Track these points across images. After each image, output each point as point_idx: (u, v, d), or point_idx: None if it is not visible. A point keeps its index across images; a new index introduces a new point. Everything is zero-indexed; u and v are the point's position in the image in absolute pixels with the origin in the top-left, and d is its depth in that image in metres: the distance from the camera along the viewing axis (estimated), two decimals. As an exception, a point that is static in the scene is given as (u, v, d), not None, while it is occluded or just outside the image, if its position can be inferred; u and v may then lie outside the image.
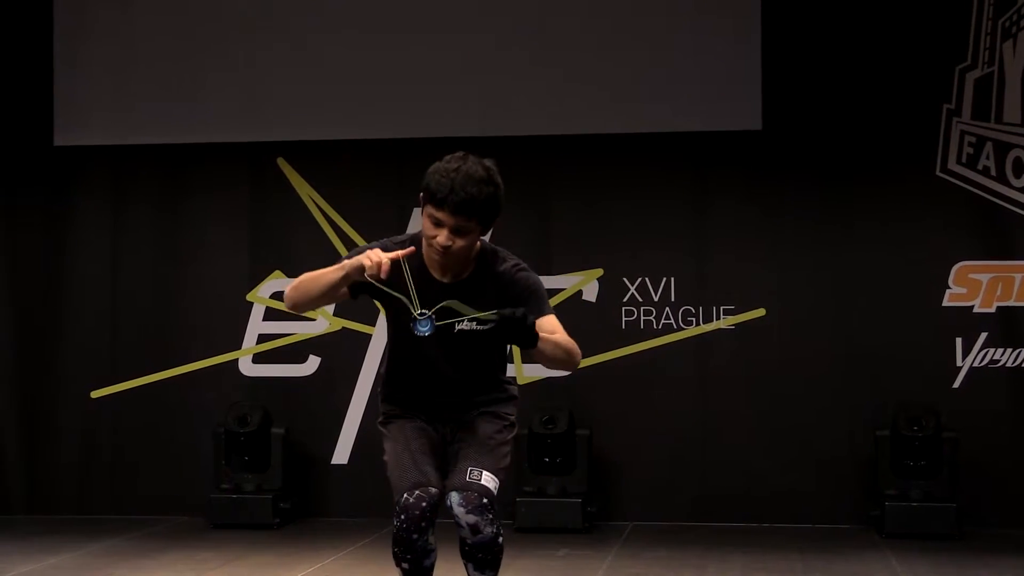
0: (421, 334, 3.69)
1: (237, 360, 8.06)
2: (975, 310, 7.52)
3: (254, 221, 8.10)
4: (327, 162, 8.06)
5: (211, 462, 7.73)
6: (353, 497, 7.91)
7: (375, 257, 3.70)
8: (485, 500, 3.82)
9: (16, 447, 8.15)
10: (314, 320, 8.01)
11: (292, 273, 8.03)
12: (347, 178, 8.06)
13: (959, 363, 7.52)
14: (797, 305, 7.69)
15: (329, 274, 3.83)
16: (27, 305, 8.20)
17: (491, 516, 3.83)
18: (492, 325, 3.65)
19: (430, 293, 3.80)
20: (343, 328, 8.00)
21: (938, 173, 7.58)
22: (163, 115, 8.09)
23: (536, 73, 7.77)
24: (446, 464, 3.98)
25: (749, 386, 7.69)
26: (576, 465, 7.49)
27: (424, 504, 3.84)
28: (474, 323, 3.79)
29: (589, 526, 7.36)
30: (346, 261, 3.81)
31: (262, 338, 8.06)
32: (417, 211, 7.91)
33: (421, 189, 3.83)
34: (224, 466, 7.68)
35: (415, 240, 3.94)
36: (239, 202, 8.12)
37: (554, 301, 7.69)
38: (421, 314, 3.69)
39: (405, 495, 3.88)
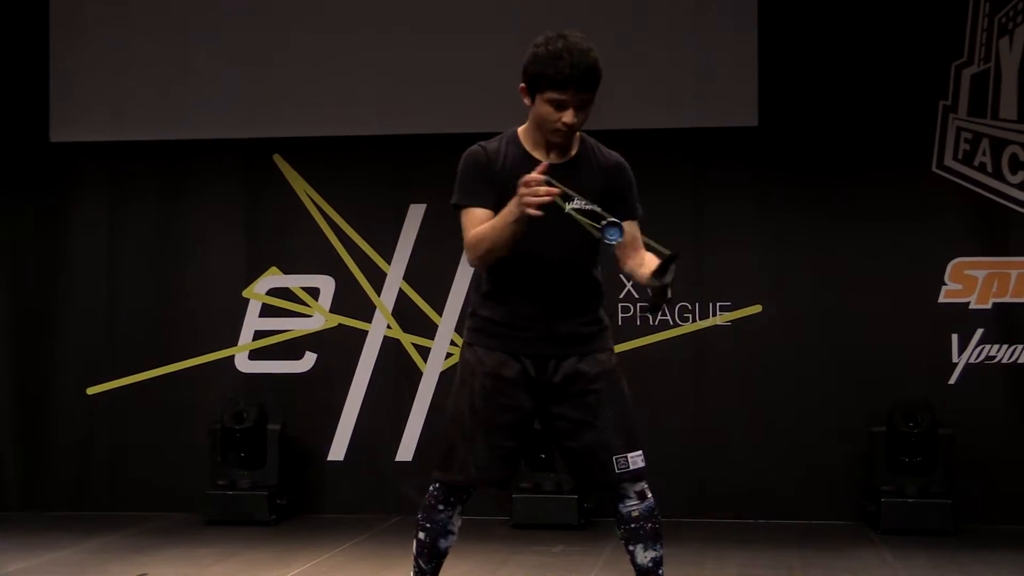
0: (612, 242, 3.66)
1: (233, 356, 8.05)
2: (971, 307, 7.52)
3: (250, 218, 8.10)
4: (324, 159, 8.05)
5: (207, 458, 7.72)
6: (349, 494, 7.91)
7: (535, 199, 3.60)
8: (642, 473, 3.94)
9: (12, 443, 8.14)
10: (310, 316, 8.02)
11: (288, 270, 8.04)
12: (344, 175, 8.05)
13: (955, 359, 7.52)
14: (793, 301, 7.69)
15: (507, 230, 3.71)
16: (23, 301, 8.19)
17: (647, 485, 3.96)
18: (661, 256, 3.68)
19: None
20: (339, 324, 8.00)
21: (934, 169, 7.58)
22: (160, 111, 8.08)
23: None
24: (518, 437, 3.93)
25: (745, 382, 7.69)
26: (572, 461, 7.48)
27: (458, 488, 3.92)
28: (583, 202, 3.80)
29: (585, 522, 7.36)
30: (517, 214, 3.65)
31: (258, 334, 8.05)
32: (415, 208, 8.01)
33: (525, 80, 3.81)
34: (220, 462, 7.67)
35: (509, 136, 3.95)
36: (235, 198, 8.11)
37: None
38: (611, 223, 3.68)
39: (445, 475, 3.93)
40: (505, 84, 7.84)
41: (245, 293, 8.08)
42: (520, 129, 3.97)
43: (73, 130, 8.15)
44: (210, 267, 8.10)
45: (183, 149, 8.12)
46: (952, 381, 7.52)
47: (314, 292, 8.04)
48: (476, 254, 3.82)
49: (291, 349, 8.03)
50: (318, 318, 8.02)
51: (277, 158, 8.08)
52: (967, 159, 7.56)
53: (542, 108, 3.83)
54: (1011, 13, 7.53)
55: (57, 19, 8.15)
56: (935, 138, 7.58)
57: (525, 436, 3.98)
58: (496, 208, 3.80)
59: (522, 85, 3.85)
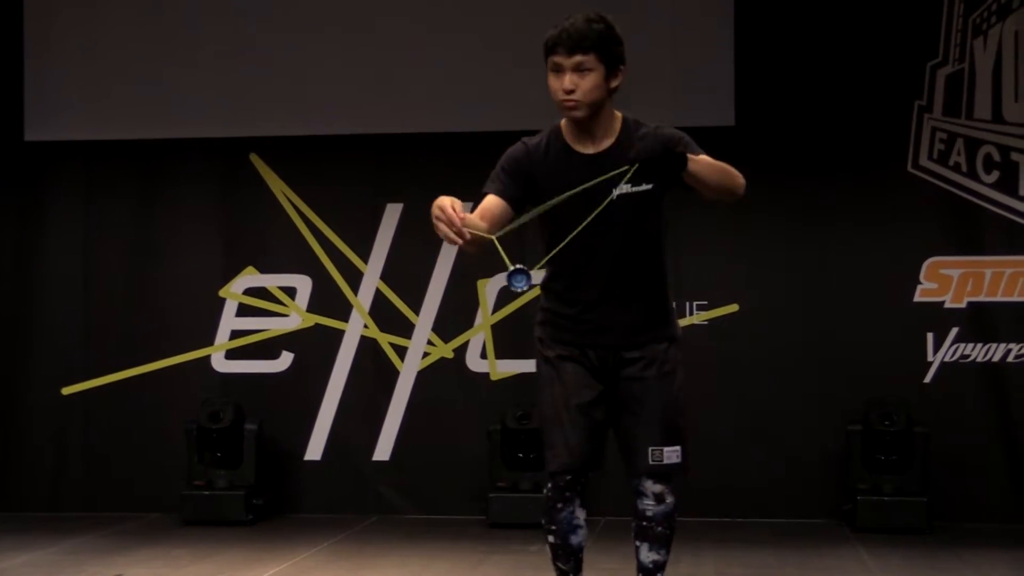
0: (517, 290, 3.60)
1: (210, 356, 8.03)
2: (946, 306, 7.56)
3: (227, 217, 8.07)
4: (300, 158, 8.03)
5: (183, 459, 7.69)
6: (326, 494, 7.90)
7: (446, 230, 3.56)
8: (670, 473, 3.94)
9: (-13, 444, 8.12)
10: (287, 316, 8.00)
11: (265, 269, 8.03)
12: (320, 174, 8.04)
13: (930, 358, 7.56)
14: (769, 301, 7.72)
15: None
16: (-3, 301, 8.16)
17: (672, 487, 3.94)
18: (640, 170, 3.62)
19: (573, 168, 3.80)
20: (316, 324, 7.98)
21: (909, 169, 7.62)
22: (136, 110, 8.05)
23: (511, 70, 7.74)
24: (603, 410, 3.95)
25: (722, 381, 7.70)
26: (549, 461, 7.48)
27: (569, 478, 3.91)
28: (629, 184, 3.76)
29: (563, 521, 7.36)
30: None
31: (235, 334, 8.03)
32: (392, 207, 8.02)
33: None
34: (196, 462, 7.65)
35: (552, 129, 3.95)
36: (212, 198, 8.09)
37: (527, 297, 7.70)
38: (516, 270, 3.60)
39: (553, 468, 3.93)
40: (482, 83, 7.89)
41: (222, 292, 8.06)
42: (563, 121, 3.97)
43: (48, 129, 8.11)
44: (186, 266, 8.08)
45: (159, 148, 8.09)
46: (927, 380, 7.55)
47: (291, 291, 8.03)
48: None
49: (268, 349, 8.01)
50: (295, 317, 8.01)
51: (253, 157, 8.06)
52: (942, 159, 7.59)
53: (549, 81, 3.87)
54: (985, 14, 7.57)
55: (31, 16, 8.11)
56: (910, 138, 7.61)
57: (607, 411, 3.97)
58: (521, 197, 3.85)
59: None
